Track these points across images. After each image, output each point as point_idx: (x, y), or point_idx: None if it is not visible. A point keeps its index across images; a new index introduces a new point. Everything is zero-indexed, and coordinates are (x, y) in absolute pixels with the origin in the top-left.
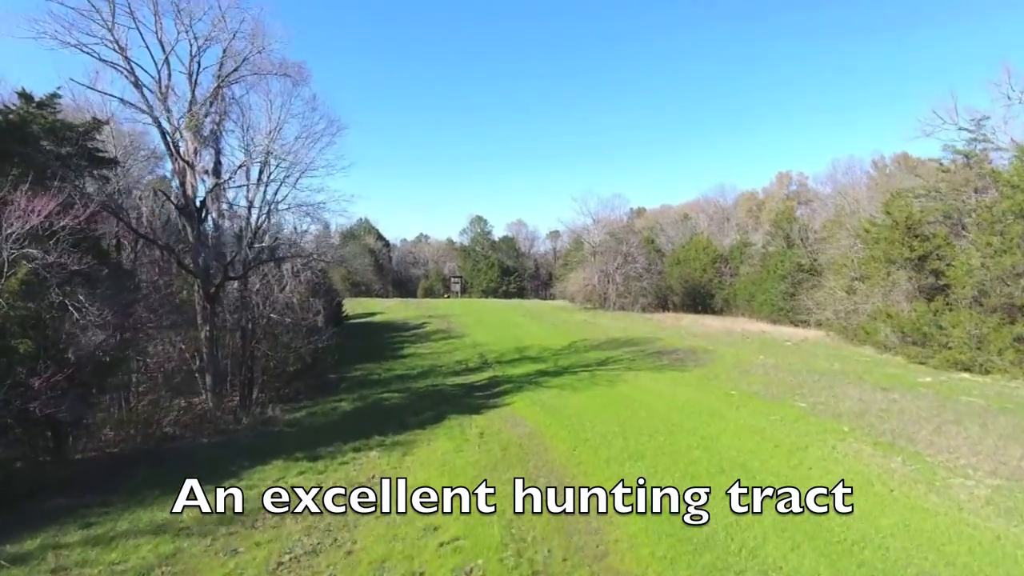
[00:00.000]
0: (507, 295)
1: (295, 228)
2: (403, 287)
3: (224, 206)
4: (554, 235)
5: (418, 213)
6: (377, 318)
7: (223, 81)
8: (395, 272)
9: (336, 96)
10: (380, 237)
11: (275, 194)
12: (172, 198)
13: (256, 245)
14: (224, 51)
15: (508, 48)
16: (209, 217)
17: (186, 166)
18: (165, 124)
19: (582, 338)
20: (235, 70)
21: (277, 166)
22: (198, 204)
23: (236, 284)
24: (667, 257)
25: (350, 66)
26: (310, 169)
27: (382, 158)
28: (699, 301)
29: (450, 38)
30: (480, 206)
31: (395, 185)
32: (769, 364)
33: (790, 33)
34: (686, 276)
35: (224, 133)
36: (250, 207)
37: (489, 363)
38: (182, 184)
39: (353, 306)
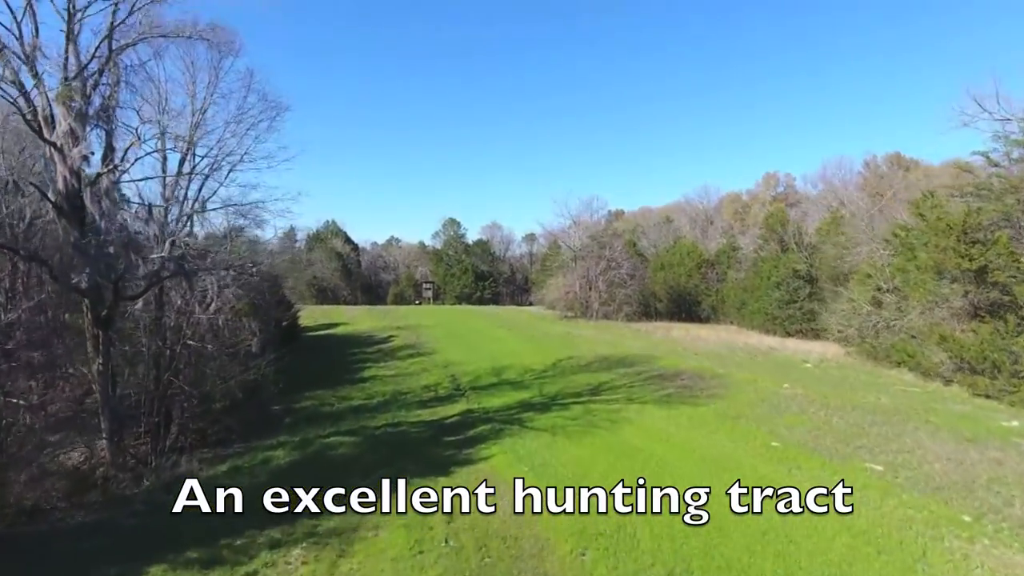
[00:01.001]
0: (482, 301)
1: (227, 233)
2: (372, 293)
3: (133, 206)
4: (530, 238)
5: (389, 215)
6: (340, 330)
7: (113, 40)
8: (364, 277)
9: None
10: (348, 240)
11: (199, 191)
12: (50, 194)
13: (158, 255)
14: (116, 3)
15: (482, 47)
16: (98, 218)
17: (54, 151)
18: (37, 98)
19: (567, 356)
20: (123, 22)
21: (204, 157)
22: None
23: (145, 304)
24: (650, 262)
25: (320, 65)
26: (244, 161)
27: (351, 158)
28: (684, 308)
29: (422, 35)
30: (454, 208)
31: (365, 186)
32: (800, 396)
33: (775, 31)
34: (671, 282)
35: (117, 110)
36: (166, 207)
37: (462, 389)
38: (59, 175)
39: (315, 316)
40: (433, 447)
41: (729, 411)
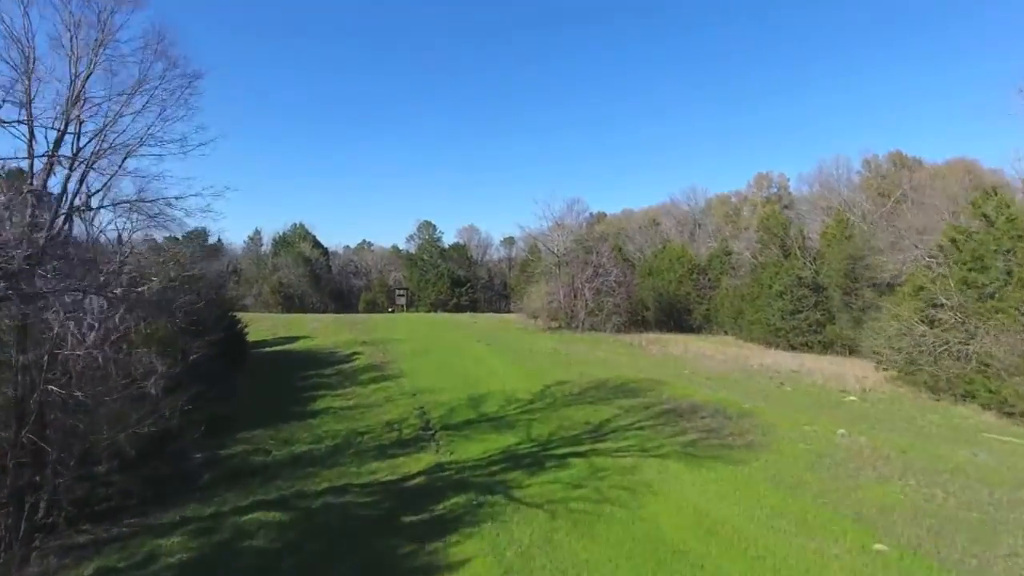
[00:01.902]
0: (458, 308)
1: (121, 236)
2: (343, 300)
3: None
4: (509, 242)
5: (362, 218)
6: (300, 345)
7: None
8: (334, 283)
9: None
10: (317, 244)
11: (80, 183)
12: None
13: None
14: None
15: (457, 47)
16: None
17: None
18: None
19: (557, 380)
20: None
21: (90, 139)
22: None
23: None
24: (637, 267)
25: (288, 60)
26: (147, 144)
27: (321, 157)
28: (675, 317)
29: (396, 35)
30: (430, 211)
31: (336, 187)
32: (866, 449)
33: (761, 27)
34: (659, 289)
35: None
36: (34, 203)
37: (431, 428)
38: None
39: (277, 327)
40: (386, 537)
41: (782, 474)
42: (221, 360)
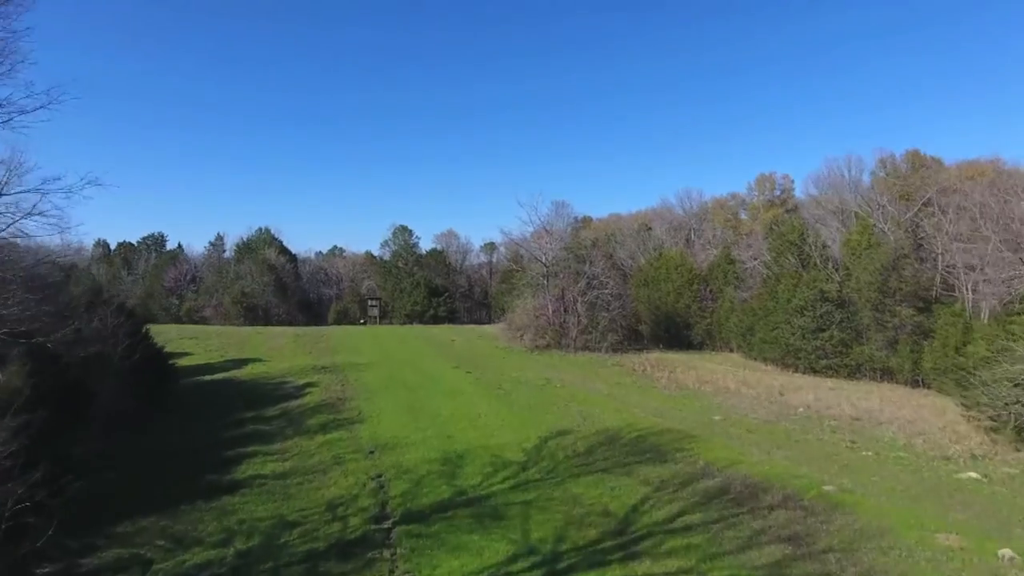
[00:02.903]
0: (436, 319)
1: None
2: (311, 310)
3: None
4: (490, 247)
5: (334, 222)
6: (248, 371)
7: None
8: (302, 292)
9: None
10: (284, 250)
11: None
12: None
13: None
14: None
15: (432, 47)
16: None
17: None
18: None
19: (555, 429)
20: None
21: None
22: None
23: None
24: (631, 277)
25: (257, 61)
26: None
27: (290, 158)
28: (673, 332)
29: (373, 36)
30: (406, 215)
31: (307, 189)
32: None
33: (753, 23)
34: (656, 301)
35: None
36: None
37: (388, 517)
38: None
39: (226, 347)
40: None
41: None
42: (128, 396)
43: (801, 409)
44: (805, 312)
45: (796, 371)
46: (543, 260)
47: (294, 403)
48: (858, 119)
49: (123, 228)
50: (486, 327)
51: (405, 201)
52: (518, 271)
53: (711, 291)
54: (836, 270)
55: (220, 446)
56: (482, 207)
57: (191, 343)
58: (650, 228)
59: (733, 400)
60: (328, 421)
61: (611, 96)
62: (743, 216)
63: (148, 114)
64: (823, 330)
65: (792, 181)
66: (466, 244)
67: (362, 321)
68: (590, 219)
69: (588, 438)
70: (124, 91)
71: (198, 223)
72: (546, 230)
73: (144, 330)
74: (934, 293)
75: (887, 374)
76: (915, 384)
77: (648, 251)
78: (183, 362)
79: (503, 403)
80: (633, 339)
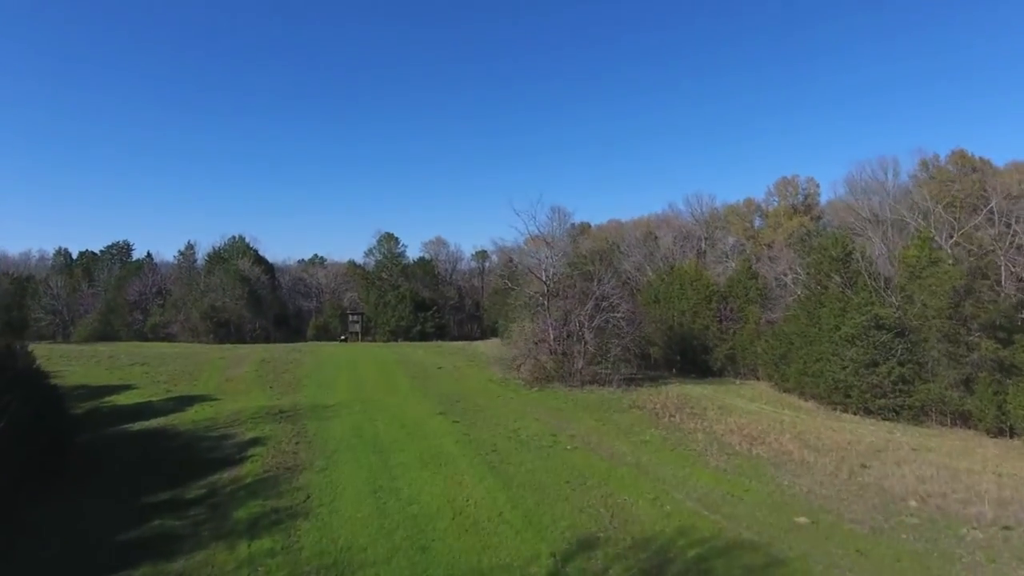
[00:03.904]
0: (423, 335)
1: None
2: (288, 325)
3: None
4: (481, 256)
5: (316, 229)
6: (190, 415)
7: None
8: (279, 305)
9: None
10: (259, 260)
11: None
12: None
13: None
14: None
15: (421, 47)
16: None
17: None
18: None
19: (576, 537)
20: None
21: None
22: None
23: None
24: (640, 293)
25: (237, 60)
26: None
27: (268, 161)
28: (689, 356)
29: (358, 33)
30: (392, 222)
31: (288, 193)
32: None
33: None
34: (669, 321)
35: None
36: None
37: None
38: None
39: (176, 377)
40: None
41: None
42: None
43: (913, 503)
44: (857, 342)
45: (846, 410)
46: (543, 277)
47: (228, 475)
48: (866, 120)
49: (91, 235)
50: (477, 345)
51: (391, 206)
52: (513, 289)
53: (731, 310)
54: (886, 290)
55: (97, 572)
56: (472, 213)
57: (139, 372)
58: (656, 236)
59: (804, 479)
60: (263, 513)
61: (609, 95)
62: (758, 224)
63: (120, 112)
64: (879, 364)
65: (817, 185)
66: (456, 252)
67: (343, 337)
68: (589, 226)
69: (624, 557)
70: (95, 86)
71: (170, 230)
72: (546, 242)
73: (30, 369)
74: (1019, 321)
75: (961, 418)
76: (999, 432)
77: (656, 262)
78: (120, 399)
79: (500, 479)
80: (644, 363)
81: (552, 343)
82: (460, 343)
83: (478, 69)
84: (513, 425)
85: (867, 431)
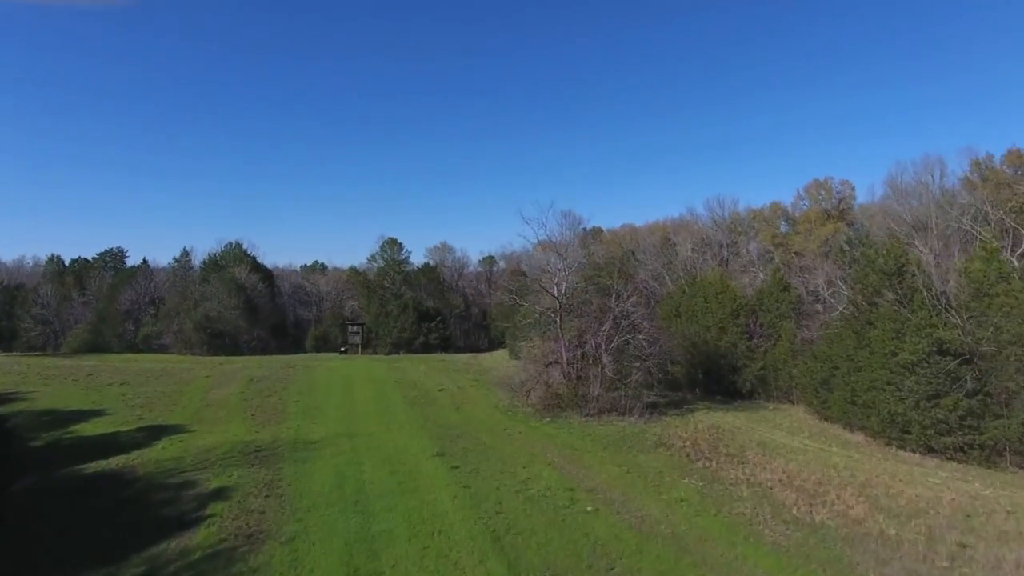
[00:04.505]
0: (426, 347)
1: None
2: (287, 335)
3: None
4: (489, 262)
5: (318, 235)
6: (155, 453)
7: None
8: (277, 315)
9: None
10: (257, 267)
11: None
12: None
13: None
14: None
15: (426, 44)
16: None
17: None
18: None
19: None
20: None
21: None
22: None
23: None
24: (659, 305)
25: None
26: None
27: (269, 164)
28: (715, 376)
29: (361, 32)
30: (396, 227)
31: (289, 197)
32: None
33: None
34: (693, 337)
35: None
36: None
37: None
38: None
39: (154, 400)
40: None
41: None
42: None
43: None
44: (917, 370)
45: (903, 447)
46: (555, 292)
47: (177, 544)
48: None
49: (90, 241)
50: (484, 359)
51: (396, 210)
52: (522, 306)
53: (761, 325)
54: (948, 309)
55: None
56: (479, 217)
57: (116, 394)
58: (674, 243)
59: (893, 567)
60: None
61: (621, 95)
62: (785, 229)
63: (119, 113)
64: (943, 395)
65: (853, 188)
66: (462, 258)
67: (343, 349)
68: (601, 230)
69: None
70: (95, 86)
71: (169, 235)
72: (558, 253)
73: None
74: None
75: None
76: None
77: (676, 272)
78: (87, 428)
79: (505, 560)
80: (664, 382)
81: (565, 366)
82: (466, 356)
83: (484, 69)
84: (522, 473)
85: (940, 481)
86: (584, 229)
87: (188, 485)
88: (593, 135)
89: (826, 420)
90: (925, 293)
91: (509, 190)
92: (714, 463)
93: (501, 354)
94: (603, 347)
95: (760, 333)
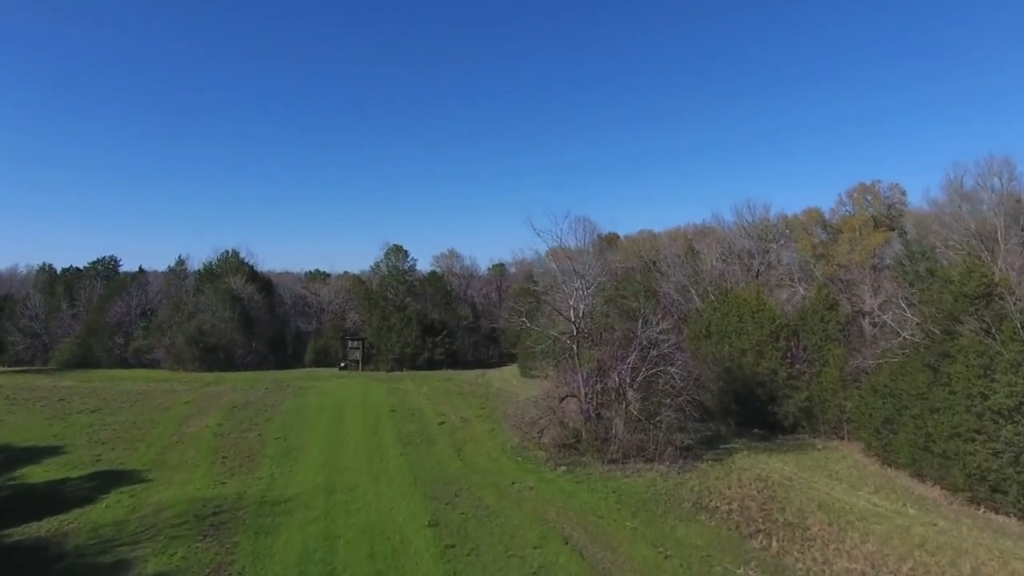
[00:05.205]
0: (431, 363)
1: None
2: (285, 348)
3: None
4: (498, 270)
5: (319, 241)
6: (96, 512)
7: None
8: (275, 327)
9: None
10: (254, 276)
11: None
12: None
13: None
14: None
15: (433, 49)
16: None
17: None
18: None
19: None
20: None
21: None
22: None
23: None
24: (687, 324)
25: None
26: None
27: (269, 169)
28: (751, 407)
29: (369, 37)
30: (401, 233)
31: (290, 203)
32: None
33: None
34: (725, 361)
35: None
36: None
37: None
38: None
39: (119, 432)
40: None
41: None
42: None
43: None
44: (1016, 417)
45: (995, 509)
46: (571, 316)
47: None
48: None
49: (89, 248)
50: (492, 377)
51: (403, 215)
52: (535, 330)
53: (804, 349)
54: None
55: None
56: (489, 221)
57: (82, 424)
58: (697, 251)
59: None
60: None
61: (635, 95)
62: (821, 236)
63: (118, 114)
64: None
65: (903, 193)
66: (471, 266)
67: (342, 365)
68: (617, 237)
69: None
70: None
71: (168, 242)
72: (575, 271)
73: None
74: None
75: None
76: None
77: (702, 283)
78: (35, 473)
79: None
80: (696, 412)
81: (583, 400)
82: (473, 373)
83: (491, 70)
84: (533, 558)
85: None
86: (599, 235)
87: (120, 568)
88: (602, 137)
89: (888, 465)
90: (1019, 323)
91: (520, 193)
92: (773, 542)
93: (511, 370)
94: (628, 382)
95: (803, 358)
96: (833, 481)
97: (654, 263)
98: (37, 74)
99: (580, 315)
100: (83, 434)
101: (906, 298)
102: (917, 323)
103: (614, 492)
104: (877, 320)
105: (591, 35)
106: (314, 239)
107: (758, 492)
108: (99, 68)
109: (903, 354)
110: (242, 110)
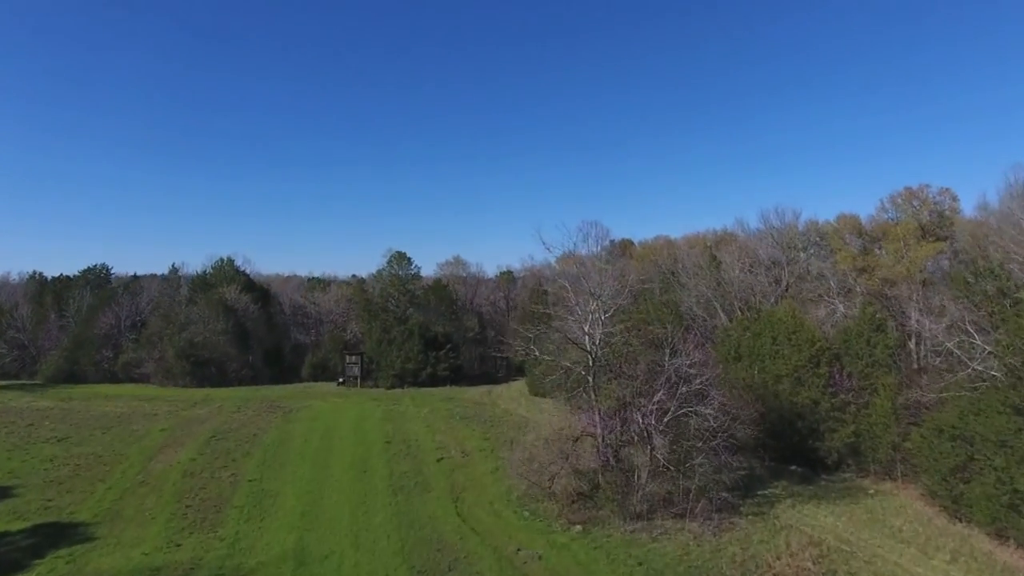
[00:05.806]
0: (434, 380)
1: None
2: (282, 362)
3: None
4: (507, 277)
5: (320, 248)
6: None
7: None
8: (272, 338)
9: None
10: (251, 286)
11: None
12: None
13: None
14: None
15: (443, 44)
16: None
17: None
18: None
19: None
20: None
21: None
22: None
23: None
24: (714, 345)
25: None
26: None
27: (270, 174)
28: (788, 440)
29: (371, 35)
30: (405, 240)
31: (288, 209)
32: None
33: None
34: (759, 388)
35: None
36: None
37: None
38: None
39: (82, 467)
40: None
41: None
42: None
43: None
44: None
45: None
46: (587, 347)
47: None
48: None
49: (87, 255)
50: (499, 394)
51: (406, 221)
52: (547, 360)
53: (849, 375)
54: None
55: None
56: (496, 229)
57: (45, 456)
58: (719, 261)
59: None
60: None
61: (651, 95)
62: (857, 244)
63: (118, 115)
64: None
65: (955, 199)
66: (477, 274)
67: (340, 380)
68: (631, 243)
69: None
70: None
71: (167, 247)
72: (590, 293)
73: None
74: None
75: None
76: None
77: (728, 298)
78: None
79: None
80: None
81: (601, 443)
82: (479, 391)
83: (500, 71)
84: None
85: None
86: (612, 242)
87: None
88: (612, 140)
89: (958, 519)
90: None
91: (528, 199)
92: None
93: (519, 387)
94: (654, 424)
95: (848, 387)
96: (899, 544)
97: (672, 273)
98: (31, 78)
99: (596, 343)
100: (40, 471)
101: (974, 322)
102: (991, 352)
103: (640, 565)
104: (935, 345)
105: (594, 37)
106: (318, 242)
107: (813, 564)
108: (98, 69)
109: (974, 389)
110: (242, 110)
